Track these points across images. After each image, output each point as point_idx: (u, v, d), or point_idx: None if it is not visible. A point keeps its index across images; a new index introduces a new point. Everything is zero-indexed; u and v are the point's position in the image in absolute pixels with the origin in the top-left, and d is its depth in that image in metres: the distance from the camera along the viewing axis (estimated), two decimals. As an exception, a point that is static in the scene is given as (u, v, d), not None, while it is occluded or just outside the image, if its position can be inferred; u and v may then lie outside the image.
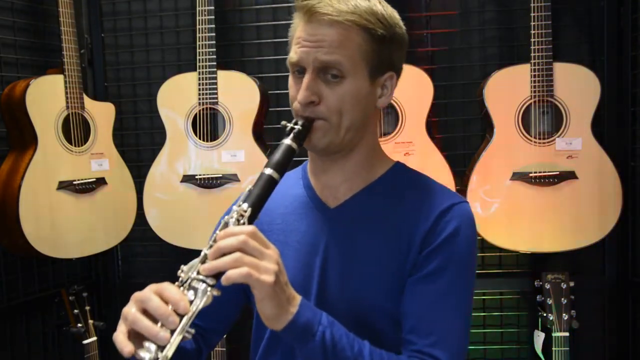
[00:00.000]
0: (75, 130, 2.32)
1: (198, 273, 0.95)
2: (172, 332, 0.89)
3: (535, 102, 2.17)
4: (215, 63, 2.33)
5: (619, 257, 2.36)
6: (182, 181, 2.37)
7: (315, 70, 1.11)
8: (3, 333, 2.30)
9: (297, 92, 1.13)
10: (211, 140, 2.37)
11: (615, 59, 2.32)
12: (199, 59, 2.33)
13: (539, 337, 2.23)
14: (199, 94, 2.34)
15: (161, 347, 0.88)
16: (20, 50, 2.45)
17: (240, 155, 2.34)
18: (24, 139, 2.22)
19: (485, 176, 2.21)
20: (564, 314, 2.11)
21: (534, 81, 2.15)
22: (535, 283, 2.17)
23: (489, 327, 2.52)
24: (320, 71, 1.11)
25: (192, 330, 0.91)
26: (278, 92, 2.57)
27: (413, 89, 2.20)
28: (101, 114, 2.42)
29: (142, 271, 2.77)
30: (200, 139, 2.37)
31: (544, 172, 2.16)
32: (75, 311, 2.30)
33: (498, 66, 2.28)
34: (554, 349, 2.10)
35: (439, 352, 1.09)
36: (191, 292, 0.93)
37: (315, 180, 1.25)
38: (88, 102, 2.37)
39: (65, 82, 2.28)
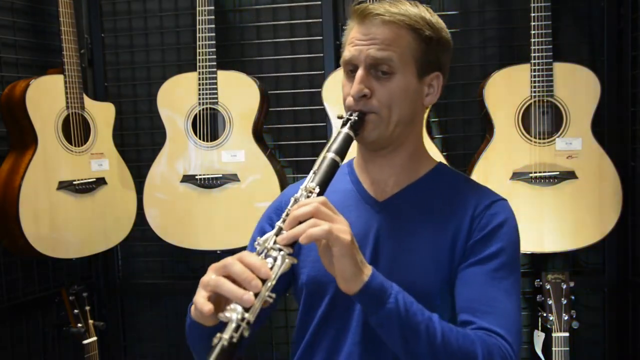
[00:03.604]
0: (75, 130, 2.32)
1: (275, 243, 1.01)
2: (255, 295, 0.93)
3: (535, 102, 2.17)
4: (215, 63, 2.33)
5: (619, 257, 2.36)
6: (182, 181, 2.37)
7: (367, 67, 1.19)
8: (3, 333, 2.30)
9: (350, 89, 1.21)
10: (211, 141, 2.37)
11: (615, 59, 2.32)
12: (199, 59, 2.33)
13: (539, 337, 2.23)
14: (199, 94, 2.34)
15: (246, 309, 0.92)
16: (20, 50, 2.45)
17: (240, 155, 2.34)
18: (24, 139, 2.22)
19: (485, 176, 2.20)
20: (564, 314, 2.11)
21: (534, 81, 2.15)
22: (535, 283, 2.17)
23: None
24: (372, 67, 1.19)
25: (273, 295, 0.95)
26: (278, 92, 2.57)
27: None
28: (101, 114, 2.42)
29: (142, 271, 2.77)
30: (200, 139, 2.37)
31: (544, 172, 2.16)
32: (75, 311, 2.30)
33: (498, 66, 2.28)
34: (554, 349, 2.10)
35: (498, 328, 1.13)
36: (270, 259, 0.99)
37: (364, 176, 1.31)
38: (88, 102, 2.37)
39: (65, 82, 2.28)
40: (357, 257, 1.04)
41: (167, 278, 2.73)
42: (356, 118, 1.18)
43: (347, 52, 1.22)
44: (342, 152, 1.14)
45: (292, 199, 1.07)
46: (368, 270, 1.06)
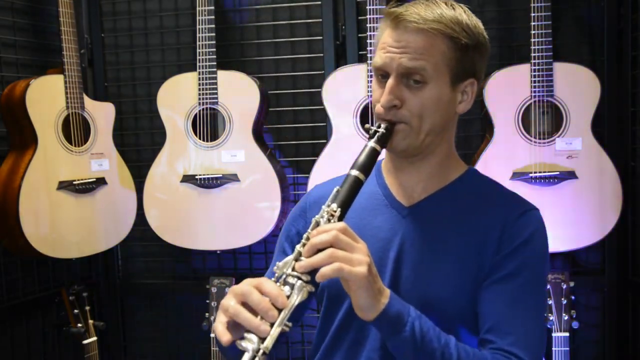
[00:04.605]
0: (75, 130, 2.32)
1: (293, 269, 1.01)
2: (271, 324, 0.96)
3: (535, 102, 2.17)
4: (215, 63, 2.33)
5: (619, 257, 2.36)
6: (182, 181, 2.37)
7: (398, 75, 1.15)
8: (3, 333, 2.30)
9: (380, 95, 1.17)
10: (211, 140, 2.37)
11: (615, 59, 2.31)
12: (199, 59, 2.33)
13: (539, 337, 2.23)
14: (199, 94, 2.34)
15: (262, 339, 0.95)
16: (20, 50, 2.45)
17: (240, 155, 2.34)
18: (24, 139, 2.22)
19: (485, 176, 2.20)
20: (564, 314, 2.11)
21: (534, 81, 2.15)
22: (535, 283, 2.17)
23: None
24: (404, 76, 1.15)
25: (290, 324, 0.97)
26: (278, 92, 2.57)
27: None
28: (101, 114, 2.43)
29: (142, 271, 2.77)
30: (200, 139, 2.37)
31: (544, 172, 2.16)
32: (75, 311, 2.30)
33: (498, 66, 2.28)
34: (554, 349, 2.10)
35: (518, 350, 1.11)
36: (287, 287, 0.99)
37: (391, 179, 1.28)
38: (88, 102, 2.37)
39: (65, 82, 2.28)
40: (374, 287, 1.03)
41: (167, 278, 2.73)
42: (384, 131, 1.15)
43: (379, 58, 1.17)
44: (366, 168, 1.11)
45: (314, 221, 1.05)
46: (385, 298, 1.05)
